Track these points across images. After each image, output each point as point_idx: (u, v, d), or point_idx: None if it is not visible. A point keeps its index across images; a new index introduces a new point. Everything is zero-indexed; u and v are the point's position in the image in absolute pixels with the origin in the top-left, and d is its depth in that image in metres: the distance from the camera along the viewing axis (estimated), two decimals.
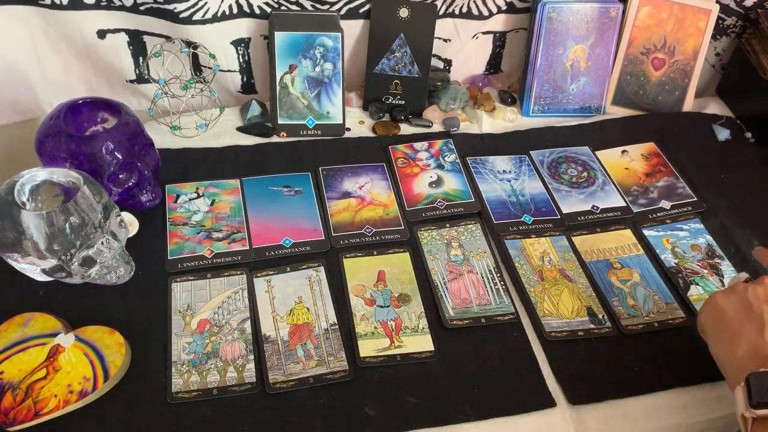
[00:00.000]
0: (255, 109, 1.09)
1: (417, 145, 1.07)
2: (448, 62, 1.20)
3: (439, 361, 0.80)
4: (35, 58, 1.04)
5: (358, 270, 0.89)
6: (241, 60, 1.11)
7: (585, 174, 1.05)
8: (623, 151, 1.09)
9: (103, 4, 1.00)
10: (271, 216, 0.95)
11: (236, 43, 1.08)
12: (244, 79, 1.14)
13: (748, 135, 1.14)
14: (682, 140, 1.11)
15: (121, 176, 0.89)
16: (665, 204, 1.01)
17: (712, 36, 1.15)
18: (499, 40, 1.19)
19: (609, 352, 0.82)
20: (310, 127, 1.08)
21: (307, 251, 0.91)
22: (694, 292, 0.89)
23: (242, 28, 1.07)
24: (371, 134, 1.10)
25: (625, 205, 1.00)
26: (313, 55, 1.05)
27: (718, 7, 1.11)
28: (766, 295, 0.70)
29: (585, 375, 0.80)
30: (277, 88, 1.05)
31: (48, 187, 0.82)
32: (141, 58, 1.08)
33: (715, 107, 1.19)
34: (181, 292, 0.85)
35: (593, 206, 1.00)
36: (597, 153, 1.08)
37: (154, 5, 1.00)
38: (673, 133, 1.12)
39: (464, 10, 1.11)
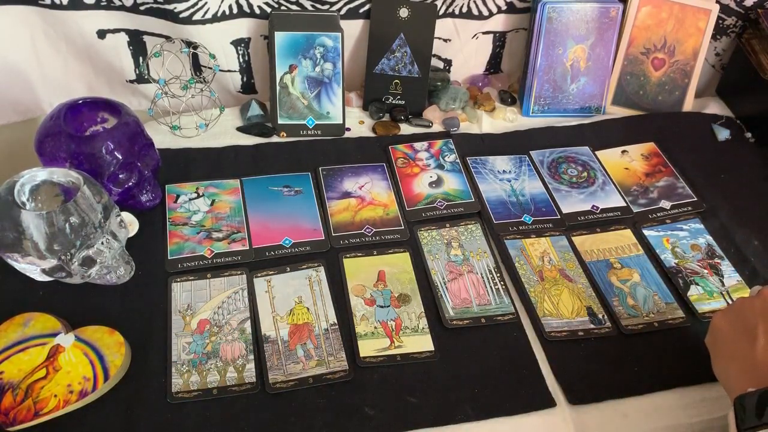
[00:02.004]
0: (255, 109, 1.09)
1: (417, 145, 1.07)
2: (448, 62, 1.20)
3: (439, 361, 0.80)
4: (35, 58, 1.04)
5: (358, 270, 0.89)
6: (241, 60, 1.11)
7: (585, 174, 1.05)
8: (623, 151, 1.09)
9: (103, 4, 1.00)
10: (271, 216, 0.95)
11: (236, 43, 1.08)
12: (244, 79, 1.14)
13: (748, 135, 1.14)
14: (682, 140, 1.11)
15: (121, 176, 0.89)
16: (665, 204, 1.01)
17: (712, 36, 1.15)
18: (499, 40, 1.19)
19: (609, 352, 0.82)
20: (310, 127, 1.08)
21: (307, 251, 0.91)
22: (694, 292, 0.89)
23: (242, 28, 1.07)
24: (371, 134, 1.10)
25: (625, 205, 1.00)
26: (313, 55, 1.05)
27: (718, 7, 1.11)
28: (763, 308, 0.67)
29: (585, 375, 0.80)
30: (277, 88, 1.05)
31: (48, 187, 0.82)
32: (141, 58, 1.08)
33: (715, 107, 1.19)
34: (181, 292, 0.85)
35: (593, 206, 1.00)
36: (597, 153, 1.08)
37: (154, 5, 1.00)
38: (673, 133, 1.12)
39: (464, 10, 1.11)
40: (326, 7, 1.06)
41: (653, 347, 0.82)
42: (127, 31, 1.04)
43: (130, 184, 0.90)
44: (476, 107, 1.17)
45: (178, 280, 0.86)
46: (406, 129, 1.12)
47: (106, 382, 0.73)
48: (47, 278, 0.81)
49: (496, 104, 1.17)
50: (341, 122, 1.09)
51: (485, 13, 1.12)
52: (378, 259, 0.91)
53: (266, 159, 1.03)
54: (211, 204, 0.96)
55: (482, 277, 0.89)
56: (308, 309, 0.84)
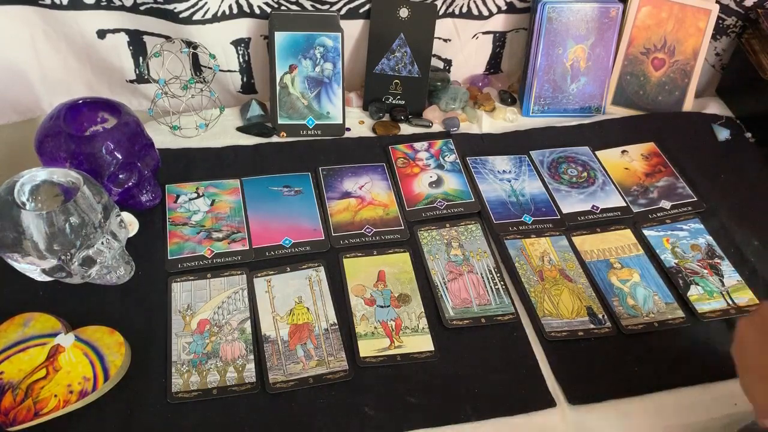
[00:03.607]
0: (255, 109, 1.09)
1: (417, 145, 1.07)
2: (448, 62, 1.20)
3: (440, 361, 0.80)
4: (35, 58, 1.04)
5: (358, 270, 0.89)
6: (241, 60, 1.11)
7: (585, 174, 1.05)
8: (623, 151, 1.09)
9: (103, 4, 1.00)
10: (271, 216, 0.95)
11: (236, 43, 1.08)
12: (244, 79, 1.14)
13: (748, 135, 1.14)
14: (682, 140, 1.11)
15: (121, 176, 0.89)
16: (665, 204, 1.01)
17: (712, 36, 1.15)
18: (499, 40, 1.19)
19: (609, 352, 0.82)
20: (310, 127, 1.08)
21: (307, 251, 0.91)
22: (694, 292, 0.89)
23: (242, 28, 1.07)
24: (371, 134, 1.10)
25: (625, 205, 1.00)
26: (313, 55, 1.05)
27: (718, 7, 1.11)
28: None
29: (585, 375, 0.80)
30: (277, 88, 1.05)
31: (48, 187, 0.82)
32: (141, 58, 1.08)
33: (715, 107, 1.19)
34: (181, 292, 0.84)
35: (593, 206, 1.00)
36: (597, 153, 1.08)
37: (154, 5, 1.00)
38: (673, 133, 1.12)
39: (464, 10, 1.11)
40: (326, 7, 1.06)
41: (653, 347, 0.83)
42: (127, 31, 1.04)
43: (130, 184, 0.90)
44: (476, 107, 1.17)
45: (178, 280, 0.86)
46: (406, 129, 1.12)
47: (106, 382, 0.73)
48: (47, 278, 0.81)
49: (496, 104, 1.17)
50: (341, 122, 1.09)
51: (485, 13, 1.12)
52: (378, 259, 0.91)
53: (266, 159, 1.03)
54: (211, 204, 0.96)
55: (482, 277, 0.89)
56: (308, 309, 0.84)
